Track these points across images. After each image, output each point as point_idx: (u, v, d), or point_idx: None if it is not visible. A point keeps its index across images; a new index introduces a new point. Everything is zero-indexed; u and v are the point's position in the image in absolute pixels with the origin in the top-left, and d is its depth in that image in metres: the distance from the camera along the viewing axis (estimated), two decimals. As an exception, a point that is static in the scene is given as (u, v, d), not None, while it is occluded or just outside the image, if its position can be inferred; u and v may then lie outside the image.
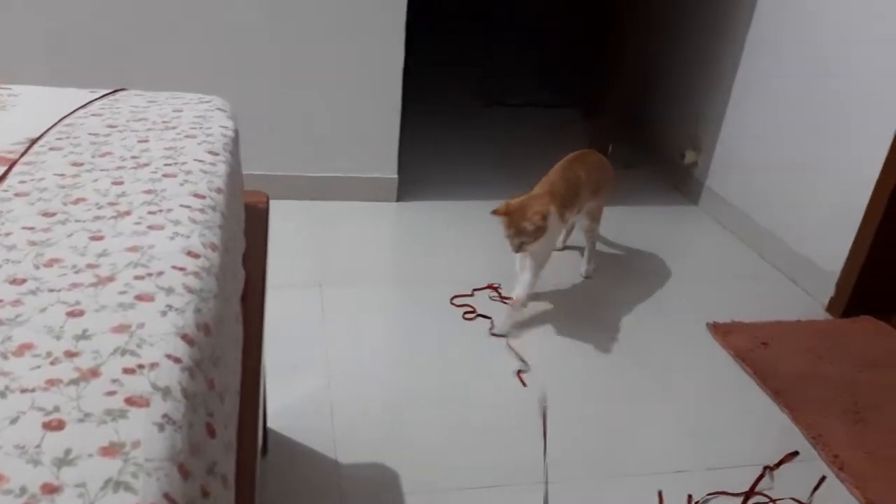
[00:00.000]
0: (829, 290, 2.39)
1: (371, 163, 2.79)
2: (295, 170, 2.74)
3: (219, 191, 0.93)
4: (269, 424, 1.66)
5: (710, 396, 1.94)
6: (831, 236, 2.40)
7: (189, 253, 0.78)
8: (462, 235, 2.67)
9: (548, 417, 1.77)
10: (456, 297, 2.25)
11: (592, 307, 2.31)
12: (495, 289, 2.32)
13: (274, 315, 1.97)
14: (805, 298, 2.47)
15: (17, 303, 0.66)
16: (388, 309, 2.23)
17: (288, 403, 1.74)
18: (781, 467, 1.71)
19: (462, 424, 1.74)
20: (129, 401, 0.57)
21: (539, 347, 2.08)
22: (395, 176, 2.82)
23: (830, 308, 2.39)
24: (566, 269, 2.47)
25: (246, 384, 0.92)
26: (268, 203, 1.35)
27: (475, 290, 2.30)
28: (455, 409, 1.79)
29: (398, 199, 2.85)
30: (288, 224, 2.59)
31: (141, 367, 0.61)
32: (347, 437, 1.66)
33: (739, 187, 2.86)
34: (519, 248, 2.02)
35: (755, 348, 2.14)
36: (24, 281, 0.70)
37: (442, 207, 2.85)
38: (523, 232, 1.98)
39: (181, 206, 0.86)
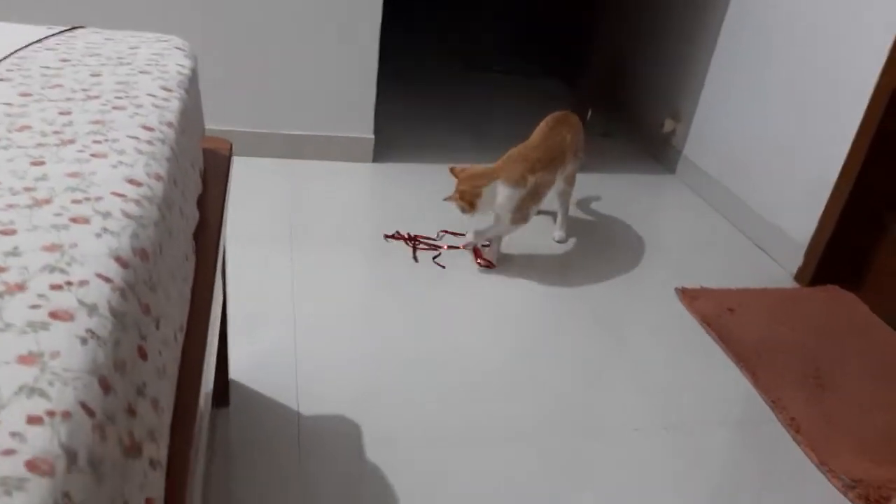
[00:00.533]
0: (798, 260, 2.42)
1: (348, 123, 2.77)
2: (270, 127, 2.72)
3: (170, 125, 0.92)
4: (233, 376, 1.66)
5: (674, 360, 1.96)
6: (803, 208, 2.42)
7: (131, 181, 0.77)
8: (437, 197, 2.66)
9: (518, 377, 1.79)
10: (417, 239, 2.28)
11: (563, 270, 2.32)
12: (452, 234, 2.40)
13: (243, 269, 1.98)
14: (774, 267, 2.49)
15: (-52, 221, 0.65)
16: (358, 267, 2.23)
17: (253, 356, 1.74)
18: (741, 429, 1.74)
19: (428, 381, 1.76)
20: (53, 314, 0.57)
21: (507, 308, 2.09)
22: (372, 136, 2.80)
23: (799, 277, 2.42)
24: (538, 233, 2.48)
25: (194, 321, 0.92)
26: (230, 151, 1.34)
27: (440, 232, 2.39)
28: (422, 366, 1.80)
29: (374, 160, 2.83)
30: (261, 181, 2.58)
31: (69, 283, 0.60)
32: (311, 391, 1.66)
33: (716, 157, 2.87)
34: (463, 212, 2.14)
35: (721, 314, 2.17)
36: (-43, 201, 0.69)
37: (418, 170, 2.84)
38: (460, 200, 2.12)
39: (128, 136, 0.85)
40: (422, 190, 2.69)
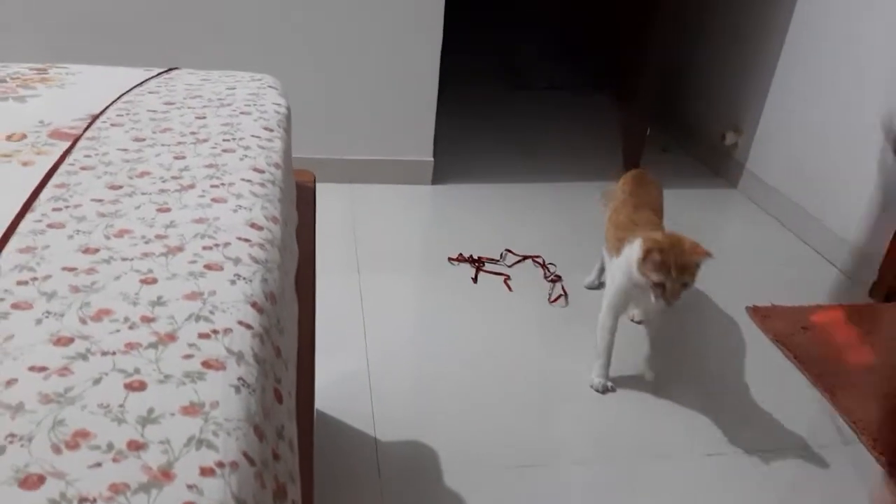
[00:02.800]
0: (872, 274, 2.35)
1: (408, 146, 2.80)
2: (333, 153, 2.76)
3: (276, 166, 0.95)
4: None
5: (749, 380, 1.93)
6: (874, 220, 2.36)
7: (252, 225, 0.80)
8: (496, 218, 2.67)
9: (587, 398, 1.76)
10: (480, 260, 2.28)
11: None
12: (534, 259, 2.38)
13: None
14: (847, 283, 2.43)
15: (91, 271, 0.69)
16: (424, 289, 2.25)
17: (329, 383, 1.76)
18: (823, 452, 1.70)
19: (500, 403, 1.76)
20: (206, 364, 0.59)
21: (575, 328, 2.08)
22: (431, 159, 2.83)
23: (873, 292, 2.36)
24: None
25: (301, 357, 0.94)
26: (314, 182, 1.37)
27: (504, 252, 2.38)
28: (493, 387, 1.80)
29: (433, 182, 2.86)
30: (325, 206, 2.61)
31: (215, 332, 0.63)
32: (386, 416, 1.68)
33: (781, 169, 2.82)
34: (676, 296, 1.60)
35: (795, 332, 2.12)
36: (96, 250, 0.72)
37: (475, 191, 2.86)
38: (688, 271, 1.58)
39: (242, 179, 0.88)
40: (481, 211, 2.70)
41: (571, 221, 2.69)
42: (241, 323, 0.65)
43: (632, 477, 1.58)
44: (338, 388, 1.75)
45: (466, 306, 2.14)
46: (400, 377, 1.82)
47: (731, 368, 1.97)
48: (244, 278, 0.70)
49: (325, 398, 1.71)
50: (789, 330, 2.13)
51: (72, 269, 0.68)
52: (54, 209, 0.78)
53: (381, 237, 2.47)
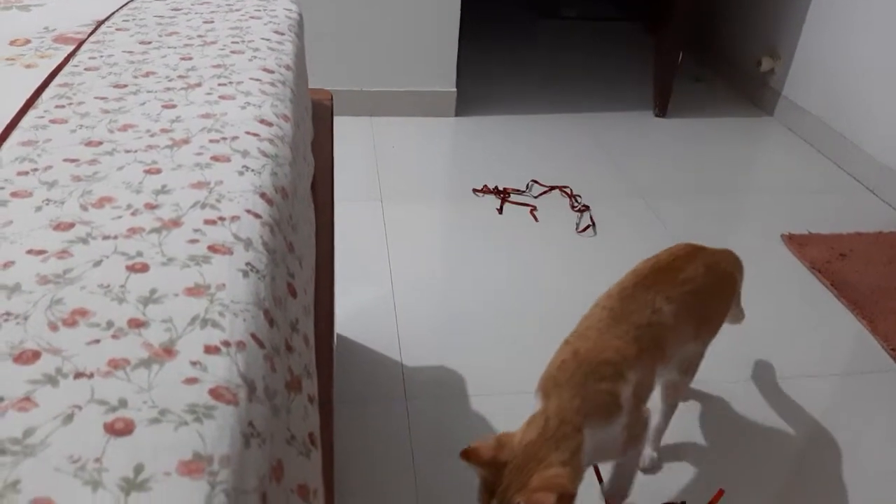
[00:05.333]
0: (914, 201, 2.26)
1: (430, 77, 2.72)
2: (352, 84, 2.70)
3: (287, 68, 0.91)
4: (336, 329, 1.67)
5: (785, 308, 1.87)
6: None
7: (262, 121, 0.76)
8: (521, 149, 2.61)
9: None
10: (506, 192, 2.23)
11: (660, 222, 2.23)
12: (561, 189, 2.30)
13: (337, 228, 1.98)
14: (886, 209, 2.34)
15: (93, 162, 0.66)
16: (449, 220, 2.21)
17: (354, 310, 1.75)
18: (860, 378, 1.66)
19: (525, 331, 1.73)
20: (212, 248, 0.56)
21: (600, 258, 2.03)
22: (454, 90, 2.75)
23: (914, 220, 2.27)
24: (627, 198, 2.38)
25: (320, 266, 0.91)
26: (332, 101, 1.32)
27: (530, 182, 2.30)
28: (516, 315, 1.77)
29: (456, 114, 2.79)
30: (347, 139, 2.57)
31: (222, 219, 0.59)
32: (412, 342, 1.66)
33: (818, 95, 2.70)
34: None
35: (832, 260, 2.05)
36: (99, 143, 0.69)
37: (500, 122, 2.78)
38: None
39: (251, 79, 0.84)
40: (506, 142, 2.63)
41: (599, 152, 2.62)
42: (249, 211, 0.61)
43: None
44: (363, 316, 1.74)
45: (492, 236, 2.10)
46: (425, 305, 1.80)
47: (767, 298, 1.92)
48: (252, 170, 0.67)
49: (351, 325, 1.70)
50: (826, 257, 2.06)
51: (73, 161, 0.65)
52: (57, 106, 0.75)
53: (403, 169, 2.42)
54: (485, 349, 1.67)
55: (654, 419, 1.36)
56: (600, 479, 1.30)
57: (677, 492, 1.35)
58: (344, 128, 2.62)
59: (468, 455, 0.92)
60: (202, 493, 0.39)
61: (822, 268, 2.01)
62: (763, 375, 1.64)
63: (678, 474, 1.39)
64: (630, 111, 2.96)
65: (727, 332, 1.77)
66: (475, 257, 2.01)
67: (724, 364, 1.67)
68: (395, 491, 1.33)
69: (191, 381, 0.45)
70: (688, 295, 1.18)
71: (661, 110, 2.89)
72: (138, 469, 0.39)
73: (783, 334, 1.78)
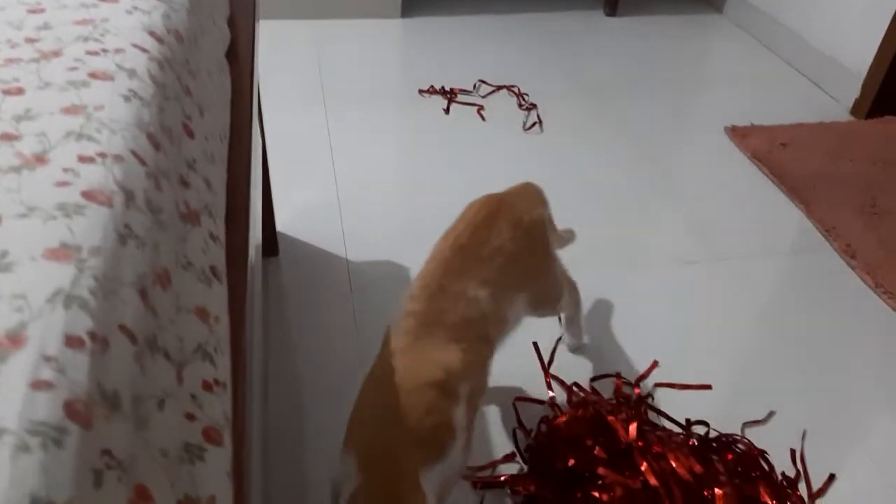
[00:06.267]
0: (855, 92, 2.29)
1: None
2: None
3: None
4: (281, 229, 1.67)
5: (724, 195, 1.91)
6: (859, 37, 2.27)
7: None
8: (469, 49, 2.57)
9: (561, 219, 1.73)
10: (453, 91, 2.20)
11: (608, 112, 2.24)
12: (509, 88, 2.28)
13: (280, 130, 1.95)
14: (829, 101, 2.37)
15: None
16: (394, 122, 2.19)
17: (298, 209, 1.74)
18: (795, 258, 1.71)
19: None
20: (93, 75, 0.55)
21: (547, 149, 2.04)
22: (400, -10, 2.68)
23: (855, 110, 2.30)
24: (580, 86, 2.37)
25: (236, 130, 0.90)
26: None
27: (477, 82, 2.25)
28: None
29: (402, 15, 2.72)
30: (287, 44, 2.50)
31: (105, 50, 0.58)
32: (356, 238, 1.67)
33: (767, -10, 2.69)
34: None
35: (773, 150, 2.08)
36: (-19, -11, 0.66)
37: (447, 22, 2.73)
38: None
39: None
40: (453, 44, 2.59)
41: (549, 52, 2.59)
42: (135, 45, 0.60)
43: (609, 285, 1.58)
44: (308, 215, 1.73)
45: (438, 136, 2.08)
46: (370, 204, 1.79)
47: (712, 187, 1.95)
48: (142, 10, 0.65)
49: (295, 225, 1.70)
50: (767, 147, 2.09)
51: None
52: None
53: (347, 72, 2.37)
54: (430, 245, 1.68)
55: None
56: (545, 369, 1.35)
57: (613, 366, 1.40)
58: (285, 30, 2.56)
59: None
60: (68, 276, 0.39)
61: (762, 157, 2.05)
62: (707, 257, 1.69)
63: (613, 351, 1.44)
64: (580, 10, 2.92)
65: (673, 220, 1.81)
66: (421, 158, 2.00)
67: (671, 247, 1.71)
68: (341, 350, 1.36)
69: (62, 184, 0.45)
70: (501, 268, 1.03)
71: (611, 9, 2.86)
72: (3, 254, 0.39)
73: (723, 218, 1.82)
